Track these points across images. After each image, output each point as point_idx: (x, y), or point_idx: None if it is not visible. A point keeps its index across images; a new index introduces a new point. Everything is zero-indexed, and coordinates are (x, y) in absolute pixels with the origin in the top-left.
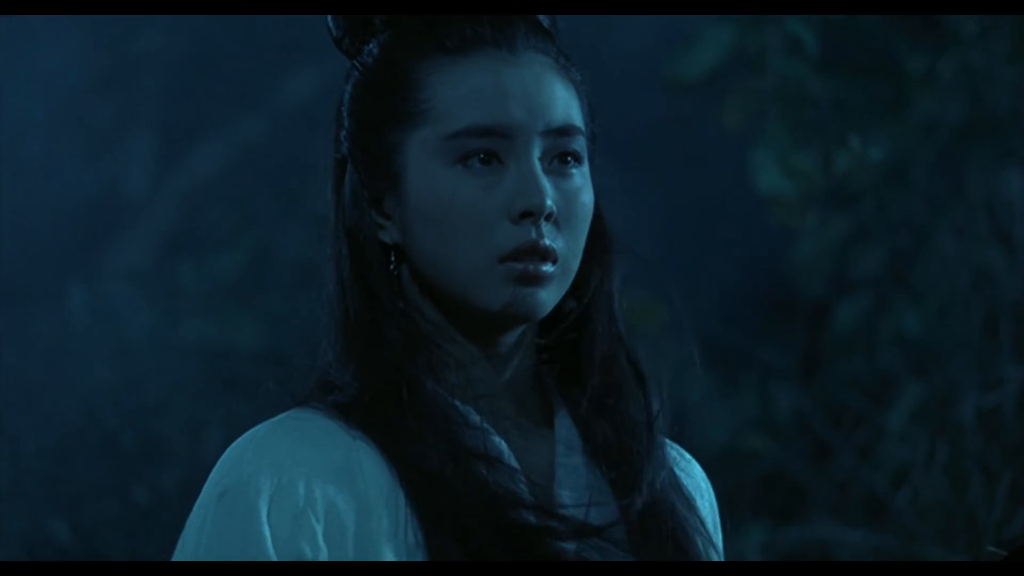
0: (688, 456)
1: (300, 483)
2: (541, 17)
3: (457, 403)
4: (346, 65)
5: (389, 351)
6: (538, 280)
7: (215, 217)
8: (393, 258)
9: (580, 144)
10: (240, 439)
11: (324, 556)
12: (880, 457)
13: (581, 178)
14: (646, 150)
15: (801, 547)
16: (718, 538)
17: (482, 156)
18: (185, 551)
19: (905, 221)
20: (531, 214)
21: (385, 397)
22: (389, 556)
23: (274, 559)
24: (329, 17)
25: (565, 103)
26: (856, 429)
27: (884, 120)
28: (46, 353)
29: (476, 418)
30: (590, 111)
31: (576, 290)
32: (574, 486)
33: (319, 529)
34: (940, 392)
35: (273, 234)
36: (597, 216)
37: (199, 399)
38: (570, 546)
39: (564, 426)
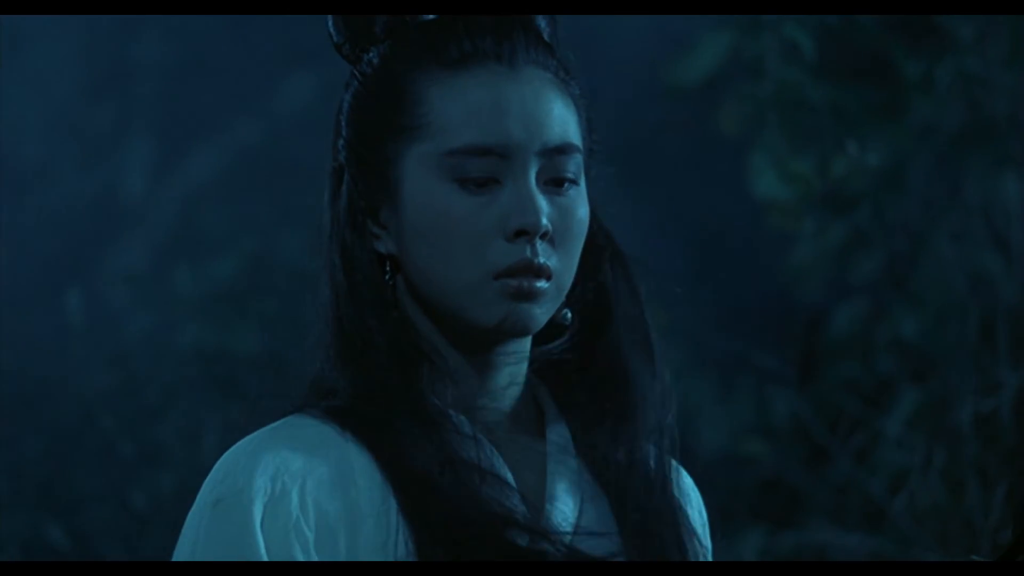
0: (675, 464)
1: (294, 491)
2: (542, 26)
3: (451, 413)
4: (345, 70)
5: (383, 361)
6: (532, 296)
7: (212, 221)
8: (388, 268)
9: (577, 161)
10: (234, 447)
11: None
12: (877, 462)
13: (577, 195)
14: (644, 155)
15: (798, 552)
16: (708, 547)
17: (479, 173)
18: (180, 559)
19: (902, 226)
20: (526, 233)
21: (379, 406)
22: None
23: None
24: (330, 22)
25: (563, 121)
26: (853, 434)
27: (881, 125)
28: (43, 357)
29: (469, 428)
30: (588, 125)
31: (580, 302)
32: (565, 498)
33: (311, 537)
34: (937, 397)
35: (270, 238)
36: (601, 228)
37: (196, 404)
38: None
39: (558, 436)
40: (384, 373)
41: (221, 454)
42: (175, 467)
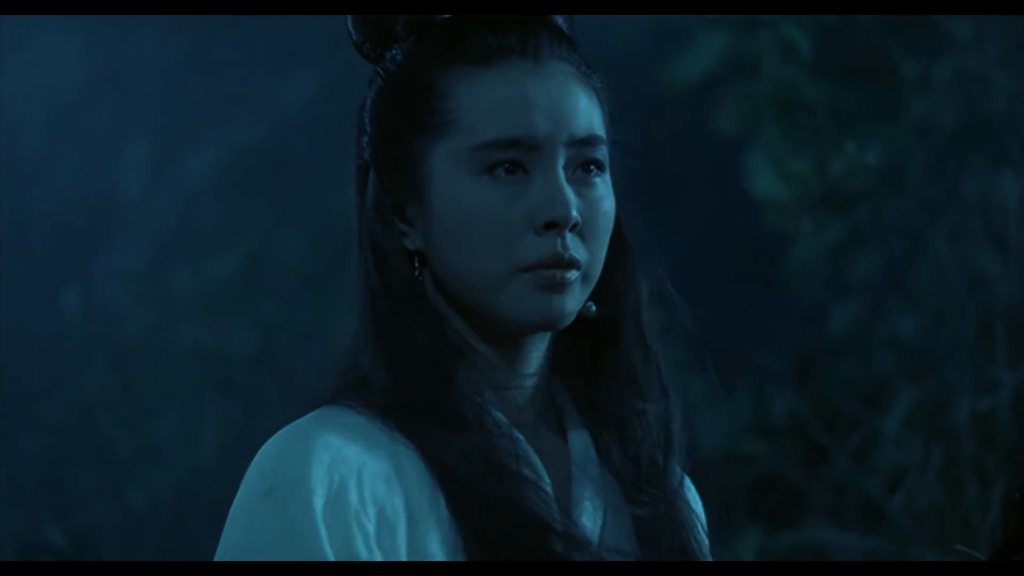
0: (684, 476)
1: (351, 483)
2: (561, 22)
3: (490, 409)
4: (343, 70)
5: (421, 357)
6: (562, 287)
7: (211, 220)
8: (416, 264)
9: (602, 153)
10: (280, 436)
11: (378, 558)
12: (875, 461)
13: (604, 186)
14: (640, 154)
15: (796, 551)
16: (708, 556)
17: (507, 167)
18: (228, 550)
19: (900, 225)
20: (556, 225)
21: (419, 401)
22: (439, 556)
23: (331, 560)
24: (349, 21)
25: (588, 113)
26: (851, 433)
27: (879, 124)
28: (41, 356)
29: (507, 425)
30: (610, 118)
31: (597, 297)
32: (590, 502)
33: (372, 530)
34: (935, 396)
35: (268, 238)
36: (616, 222)
37: (194, 402)
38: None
39: (578, 435)
40: (423, 369)
41: (219, 453)
42: (173, 466)
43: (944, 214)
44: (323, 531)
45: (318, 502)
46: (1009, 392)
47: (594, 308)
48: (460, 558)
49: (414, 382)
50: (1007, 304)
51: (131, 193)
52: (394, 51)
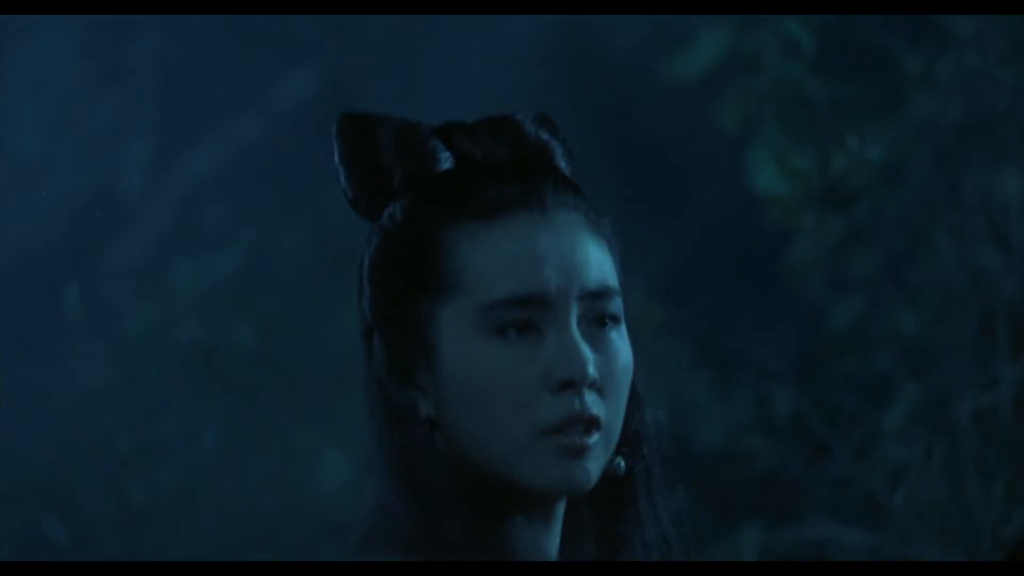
0: None
1: None
2: (563, 166)
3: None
4: (344, 65)
5: (455, 520)
6: (584, 453)
7: (211, 217)
8: (429, 428)
9: (617, 305)
10: None
11: None
12: (877, 457)
13: (620, 339)
14: (641, 150)
15: (798, 547)
16: None
17: (519, 325)
18: None
19: (901, 221)
20: (573, 384)
21: (458, 553)
22: None
23: None
24: (343, 178)
25: (599, 264)
26: (853, 429)
27: (880, 120)
28: (42, 353)
29: None
30: (621, 266)
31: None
32: None
33: None
34: (937, 392)
35: (269, 234)
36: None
37: (195, 399)
38: None
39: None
40: (458, 527)
41: (220, 449)
42: (173, 463)
43: (946, 210)
44: None
45: None
46: (1011, 388)
47: (623, 465)
48: None
49: (451, 538)
50: (1009, 300)
51: (131, 190)
52: (392, 208)
